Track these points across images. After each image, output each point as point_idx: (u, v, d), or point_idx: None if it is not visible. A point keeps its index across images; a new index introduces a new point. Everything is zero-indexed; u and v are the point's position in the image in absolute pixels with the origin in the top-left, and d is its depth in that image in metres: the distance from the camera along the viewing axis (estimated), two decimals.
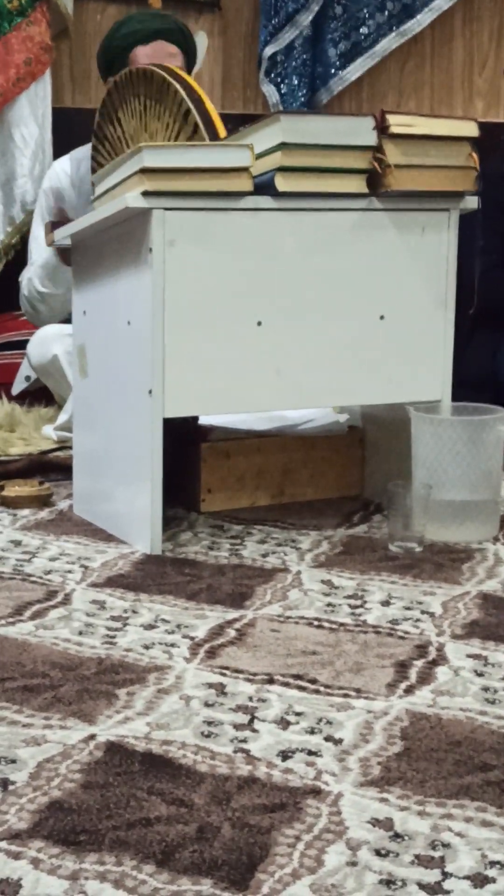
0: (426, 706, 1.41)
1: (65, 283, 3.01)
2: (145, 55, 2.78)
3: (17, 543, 2.11)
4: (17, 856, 1.06)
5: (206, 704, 1.41)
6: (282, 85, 3.93)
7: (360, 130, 2.07)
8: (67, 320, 2.93)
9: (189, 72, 2.88)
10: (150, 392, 2.01)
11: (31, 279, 3.10)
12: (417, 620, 1.71)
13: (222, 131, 2.07)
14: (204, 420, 2.39)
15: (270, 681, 1.48)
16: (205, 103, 2.09)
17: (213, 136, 2.06)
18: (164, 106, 2.12)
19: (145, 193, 1.95)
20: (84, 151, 3.14)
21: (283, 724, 1.35)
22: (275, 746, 1.29)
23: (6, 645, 1.60)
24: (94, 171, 2.36)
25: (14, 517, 2.29)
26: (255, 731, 1.33)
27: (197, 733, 1.32)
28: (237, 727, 1.34)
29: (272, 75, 3.93)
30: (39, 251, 3.18)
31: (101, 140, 2.32)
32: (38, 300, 3.10)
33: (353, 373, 2.17)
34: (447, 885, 1.03)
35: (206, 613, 1.74)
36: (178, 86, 2.09)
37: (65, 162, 3.16)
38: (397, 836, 1.11)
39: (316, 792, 1.19)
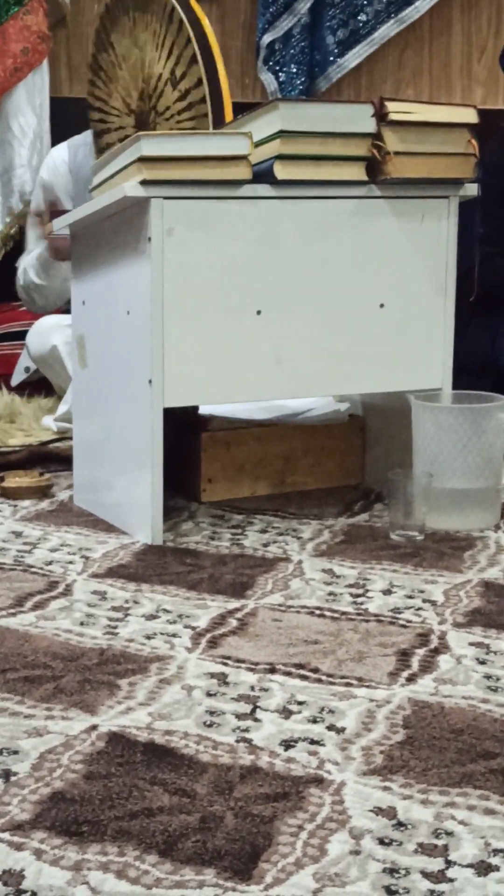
0: (428, 694, 1.41)
1: (59, 275, 3.01)
2: None
3: (18, 534, 2.10)
4: (19, 847, 1.06)
5: (208, 694, 1.40)
6: (280, 73, 3.92)
7: (359, 118, 2.06)
8: (66, 310, 2.93)
9: None
10: (150, 382, 2.00)
11: (27, 269, 3.09)
12: (419, 609, 1.71)
13: (208, 28, 2.03)
14: (204, 409, 2.39)
15: (272, 670, 1.48)
16: (191, 4, 2.06)
17: (199, 32, 2.01)
18: (150, 13, 2.08)
19: (143, 182, 1.95)
20: (81, 139, 3.13)
21: (286, 713, 1.35)
22: (277, 736, 1.29)
23: (7, 636, 1.59)
24: (91, 107, 2.30)
25: (14, 508, 2.28)
26: (257, 720, 1.33)
27: (199, 723, 1.32)
28: (239, 717, 1.34)
29: (270, 63, 3.92)
30: (31, 240, 3.18)
31: (96, 72, 2.29)
32: (33, 290, 3.10)
33: (354, 361, 2.17)
34: (450, 873, 1.03)
35: (208, 603, 1.74)
36: None
37: (62, 149, 3.15)
38: (400, 824, 1.11)
39: (318, 781, 1.19)
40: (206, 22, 2.03)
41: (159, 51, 2.07)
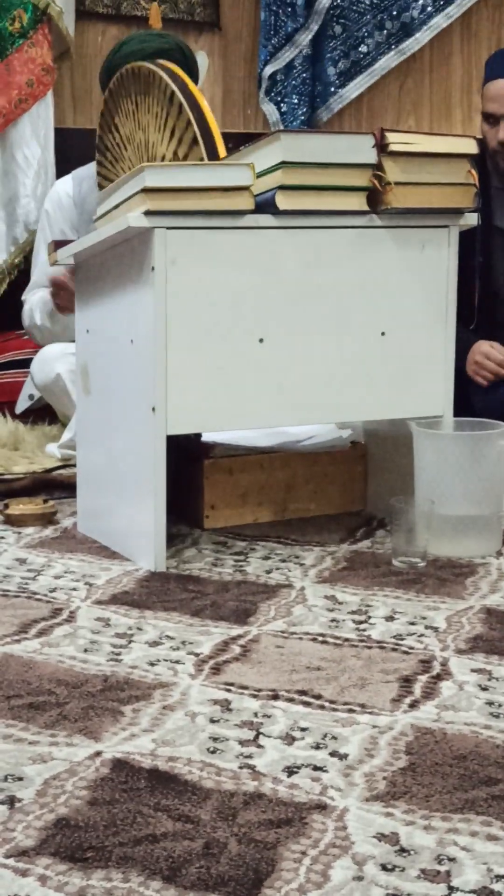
0: (431, 721, 1.41)
1: (61, 322, 3.05)
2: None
3: (22, 561, 2.11)
4: (24, 873, 1.07)
5: (212, 720, 1.41)
6: (282, 104, 3.96)
7: (360, 148, 2.09)
8: (70, 338, 2.95)
9: None
10: (154, 409, 2.02)
11: (33, 310, 3.12)
12: (421, 635, 1.72)
13: (207, 111, 2.07)
14: (207, 437, 2.40)
15: (275, 696, 1.48)
16: (188, 85, 2.09)
17: (199, 115, 2.05)
18: (151, 97, 2.13)
19: (147, 213, 1.97)
20: (86, 170, 3.16)
21: (289, 739, 1.36)
22: (280, 762, 1.30)
23: (12, 662, 1.60)
24: (100, 186, 2.37)
25: (19, 535, 2.29)
26: (260, 746, 1.34)
27: (202, 749, 1.33)
28: (242, 743, 1.35)
29: (272, 94, 3.95)
30: (37, 272, 3.20)
31: (102, 152, 2.33)
32: (35, 329, 3.13)
33: (355, 389, 2.18)
34: None
35: (211, 630, 1.74)
36: (161, 72, 2.09)
37: (66, 182, 3.17)
38: (403, 850, 1.11)
39: (321, 807, 1.19)
40: (204, 104, 2.08)
41: (161, 133, 2.12)
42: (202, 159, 2.06)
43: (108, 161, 2.32)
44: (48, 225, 3.17)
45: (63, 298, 2.84)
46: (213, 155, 2.05)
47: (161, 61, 2.20)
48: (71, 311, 2.92)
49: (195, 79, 2.95)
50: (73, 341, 2.45)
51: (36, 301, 3.13)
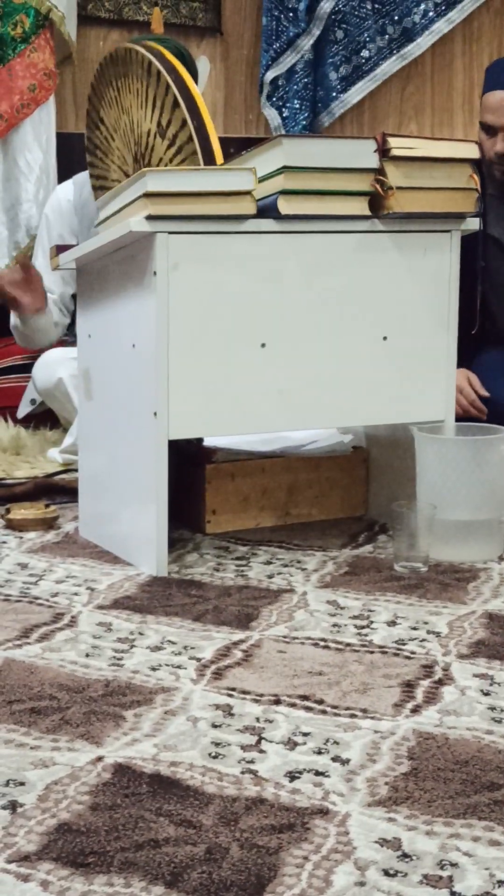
0: (433, 726, 1.41)
1: (30, 325, 3.03)
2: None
3: (24, 566, 2.11)
4: (26, 878, 1.07)
5: (214, 725, 1.41)
6: (283, 108, 3.96)
7: (362, 153, 2.09)
8: (72, 343, 2.95)
9: None
10: (155, 414, 2.02)
11: (14, 329, 3.13)
12: (423, 640, 1.72)
13: (184, 72, 2.07)
14: (208, 441, 2.40)
15: (277, 701, 1.48)
16: (164, 53, 2.09)
17: (177, 77, 2.05)
18: (130, 75, 2.12)
19: (149, 217, 1.97)
20: (86, 175, 3.16)
21: (291, 744, 1.36)
22: (282, 767, 1.30)
23: (13, 667, 1.60)
24: (94, 187, 2.36)
25: (20, 540, 2.29)
26: (262, 751, 1.34)
27: (204, 754, 1.33)
28: (244, 748, 1.34)
29: (274, 99, 3.96)
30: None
31: (92, 151, 2.33)
32: (13, 329, 3.15)
33: (357, 394, 2.18)
34: None
35: (213, 635, 1.74)
36: (136, 47, 2.10)
37: (67, 187, 3.18)
38: (405, 855, 1.11)
39: (324, 812, 1.19)
40: (181, 67, 2.08)
41: (144, 108, 2.12)
42: (185, 121, 2.05)
43: (97, 159, 2.32)
44: (47, 230, 3.18)
45: (12, 299, 2.86)
46: (194, 113, 2.03)
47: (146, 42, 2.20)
48: (26, 310, 2.92)
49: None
50: (74, 343, 2.45)
51: (12, 327, 3.15)
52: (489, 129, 2.70)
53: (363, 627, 1.78)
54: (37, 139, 3.58)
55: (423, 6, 3.99)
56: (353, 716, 1.44)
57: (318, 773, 1.28)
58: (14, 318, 3.09)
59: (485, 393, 2.73)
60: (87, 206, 3.04)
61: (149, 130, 2.13)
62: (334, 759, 1.32)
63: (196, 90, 2.07)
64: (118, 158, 2.26)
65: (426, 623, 1.79)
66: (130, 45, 2.14)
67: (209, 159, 2.08)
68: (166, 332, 2.00)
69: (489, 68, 2.83)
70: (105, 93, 2.23)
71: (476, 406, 2.71)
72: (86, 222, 3.06)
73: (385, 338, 2.19)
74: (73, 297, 3.21)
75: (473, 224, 2.24)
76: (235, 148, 3.14)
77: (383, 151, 2.10)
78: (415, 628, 1.77)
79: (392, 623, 1.80)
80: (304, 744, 1.36)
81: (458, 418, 2.60)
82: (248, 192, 2.01)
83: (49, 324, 3.04)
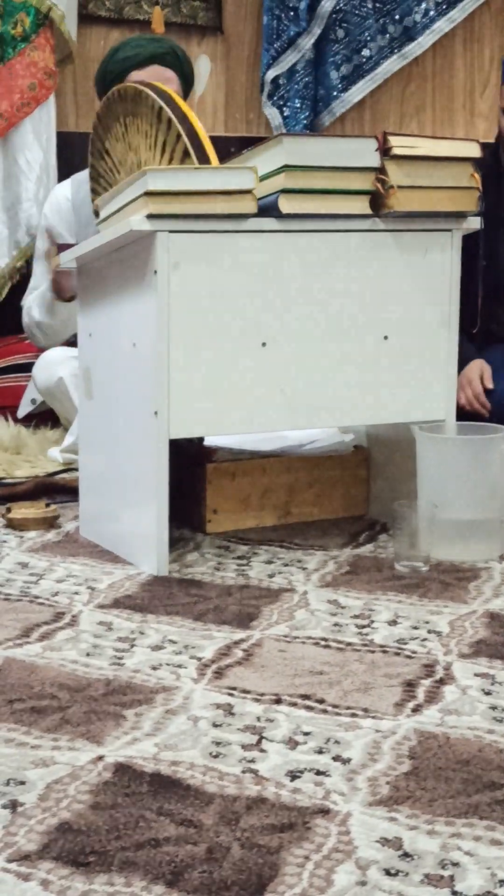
0: (434, 725, 1.41)
1: (61, 314, 3.04)
2: (140, 80, 2.81)
3: (24, 565, 2.11)
4: (26, 877, 1.07)
5: (214, 725, 1.41)
6: (284, 108, 3.96)
7: (363, 152, 2.09)
8: (72, 342, 2.95)
9: (186, 95, 2.92)
10: (156, 413, 2.02)
11: (31, 307, 3.13)
12: (424, 640, 1.72)
13: (196, 122, 2.07)
14: (209, 441, 2.40)
15: (278, 701, 1.48)
16: (174, 99, 2.10)
17: (188, 128, 2.05)
18: (140, 116, 2.13)
19: (150, 216, 1.97)
20: (85, 174, 3.16)
21: (291, 744, 1.36)
22: (283, 766, 1.29)
23: (14, 666, 1.60)
24: (96, 213, 2.37)
25: (21, 539, 2.29)
26: (263, 751, 1.33)
27: (205, 754, 1.32)
28: (245, 747, 1.34)
29: (275, 98, 3.96)
30: (37, 276, 3.21)
31: (96, 179, 2.34)
32: (35, 327, 3.14)
33: (358, 393, 2.18)
34: None
35: (214, 634, 1.74)
36: (147, 90, 2.10)
37: (66, 186, 3.18)
38: (406, 855, 1.11)
39: (325, 812, 1.19)
40: (192, 116, 2.08)
41: (153, 150, 2.12)
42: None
43: (101, 188, 2.33)
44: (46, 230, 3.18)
45: (62, 281, 2.86)
46: (204, 164, 2.05)
47: (154, 83, 2.21)
48: (68, 296, 2.92)
49: (190, 81, 2.97)
50: (75, 342, 2.45)
51: (33, 299, 3.13)
52: None
53: (364, 627, 1.77)
54: (37, 138, 3.58)
55: (423, 5, 3.99)
56: (354, 715, 1.44)
57: (319, 773, 1.28)
58: (39, 314, 3.08)
59: (491, 385, 2.73)
60: (84, 204, 3.04)
61: None
62: (335, 759, 1.31)
63: (206, 138, 2.08)
64: None
65: (427, 622, 1.79)
66: (140, 86, 2.14)
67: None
68: (167, 331, 2.00)
69: None
70: (112, 126, 2.23)
71: (480, 401, 2.71)
72: (83, 221, 3.06)
73: (386, 337, 2.19)
74: None
75: (475, 223, 2.24)
76: (236, 147, 3.14)
77: (384, 150, 2.10)
78: (416, 628, 1.77)
79: (393, 622, 1.79)
80: (305, 743, 1.36)
81: (462, 411, 2.60)
82: (248, 191, 2.01)
83: (75, 312, 3.04)
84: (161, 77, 2.82)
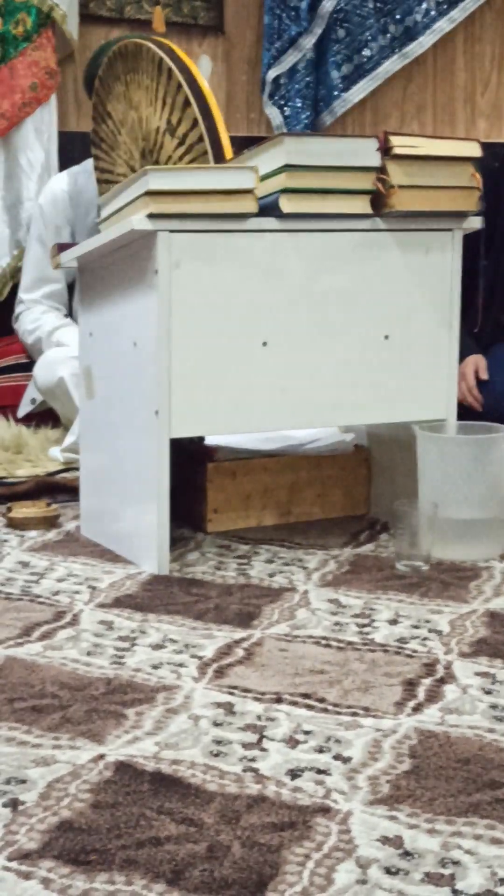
0: (434, 724, 1.41)
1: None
2: None
3: (25, 565, 2.11)
4: (27, 876, 1.07)
5: (215, 724, 1.41)
6: (285, 107, 3.96)
7: (364, 152, 2.09)
8: None
9: None
10: (157, 412, 2.02)
11: (41, 342, 3.16)
12: (425, 639, 1.72)
13: (197, 72, 2.06)
14: (210, 440, 2.40)
15: (279, 700, 1.48)
16: (175, 50, 2.09)
17: (189, 77, 2.04)
18: (140, 70, 2.12)
19: (151, 216, 1.97)
20: (81, 167, 3.18)
21: (292, 742, 1.36)
22: (284, 765, 1.30)
23: (15, 666, 1.60)
24: (98, 180, 2.36)
25: (22, 538, 2.29)
26: (263, 749, 1.34)
27: (206, 752, 1.33)
28: (246, 746, 1.34)
29: (276, 98, 3.96)
30: (31, 268, 3.23)
31: (97, 144, 2.33)
32: (35, 351, 3.18)
33: (359, 392, 2.18)
34: None
35: (214, 633, 1.74)
36: (148, 43, 2.09)
37: (61, 178, 3.21)
38: (407, 853, 1.11)
39: (325, 810, 1.19)
40: (193, 66, 2.07)
41: (154, 105, 2.11)
42: (196, 120, 2.05)
43: (103, 152, 2.32)
44: (42, 220, 3.19)
45: None
46: (206, 113, 2.03)
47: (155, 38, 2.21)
48: None
49: None
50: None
51: (45, 334, 3.16)
52: None
53: (365, 626, 1.77)
54: (38, 138, 3.58)
55: (424, 5, 3.98)
56: (354, 714, 1.44)
57: (319, 772, 1.28)
58: (41, 338, 3.13)
59: (485, 376, 2.73)
60: (82, 195, 3.05)
61: (158, 128, 2.13)
62: (336, 758, 1.32)
63: (208, 89, 2.06)
64: (125, 153, 2.26)
65: (428, 622, 1.79)
66: (141, 40, 2.13)
67: (220, 159, 2.08)
68: (168, 330, 2.00)
69: None
70: (113, 87, 2.22)
71: (473, 394, 2.72)
72: (81, 211, 3.07)
73: (387, 336, 2.19)
74: (69, 287, 3.24)
75: (475, 223, 2.24)
76: (237, 147, 3.14)
77: (385, 150, 2.10)
78: (416, 627, 1.77)
79: (394, 621, 1.79)
80: (306, 742, 1.36)
81: (459, 405, 2.61)
82: (249, 191, 2.01)
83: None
84: None
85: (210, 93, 2.06)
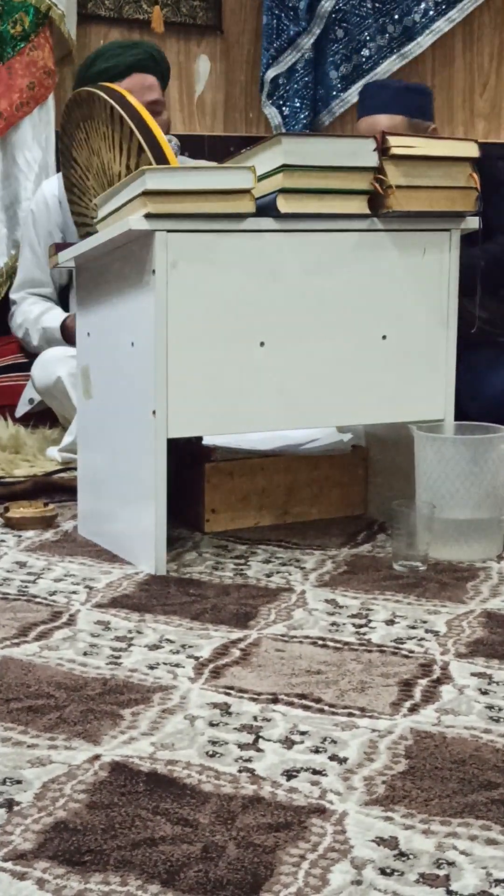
0: (431, 725, 1.41)
1: (56, 344, 3.10)
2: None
3: (22, 565, 2.11)
4: (22, 876, 1.07)
5: (211, 724, 1.41)
6: (284, 107, 3.96)
7: (362, 152, 2.09)
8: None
9: (163, 88, 2.96)
10: (154, 413, 2.02)
11: (29, 331, 3.18)
12: (422, 639, 1.72)
13: (147, 117, 2.08)
14: (207, 440, 2.40)
15: (275, 700, 1.48)
16: (125, 96, 2.11)
17: (139, 123, 2.07)
18: (96, 119, 2.15)
19: (148, 216, 1.97)
20: None
21: (288, 743, 1.36)
22: (279, 766, 1.30)
23: (11, 666, 1.60)
24: (76, 224, 2.39)
25: (19, 538, 2.29)
26: (259, 750, 1.34)
27: (202, 753, 1.33)
28: (242, 747, 1.34)
29: (274, 98, 3.96)
30: (21, 271, 3.25)
31: (70, 189, 2.36)
32: (29, 346, 3.21)
33: (356, 392, 2.18)
34: None
35: (211, 633, 1.74)
36: (98, 92, 2.12)
37: (52, 182, 3.21)
38: (402, 854, 1.11)
39: (321, 811, 1.19)
40: (142, 109, 2.10)
41: (112, 151, 2.14)
42: (150, 163, 2.07)
43: (76, 196, 2.34)
44: (34, 226, 3.20)
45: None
46: (160, 158, 2.05)
47: (109, 85, 2.24)
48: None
49: (167, 77, 3.00)
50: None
51: (31, 321, 3.18)
52: None
53: (361, 626, 1.77)
54: (36, 137, 3.57)
55: (423, 5, 3.98)
56: (350, 714, 1.44)
57: (315, 772, 1.28)
58: (37, 341, 3.15)
59: None
60: None
61: (119, 173, 2.15)
62: (332, 758, 1.32)
63: (159, 131, 2.09)
64: (94, 197, 2.27)
65: (425, 622, 1.79)
66: (92, 88, 2.17)
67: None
68: (165, 330, 2.00)
69: None
70: (75, 134, 2.25)
71: None
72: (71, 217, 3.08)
73: (384, 337, 2.19)
74: (63, 290, 3.25)
75: (473, 223, 2.24)
76: (235, 147, 3.14)
77: (383, 150, 2.10)
78: (413, 627, 1.77)
79: (390, 622, 1.79)
80: (302, 742, 1.36)
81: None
82: (247, 191, 2.01)
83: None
84: (142, 85, 2.84)
85: (161, 135, 2.09)
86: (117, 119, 2.08)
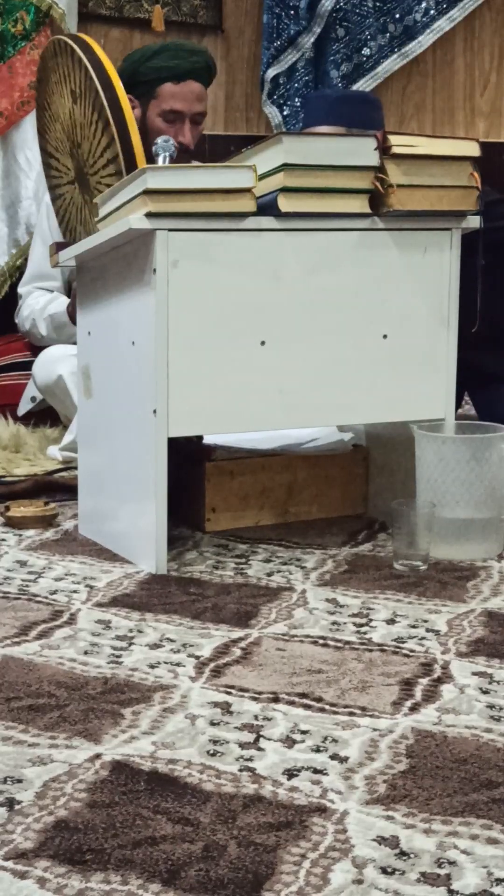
0: (431, 724, 1.41)
1: (67, 333, 3.09)
2: (172, 94, 2.82)
3: (23, 564, 2.11)
4: (23, 875, 1.07)
5: (212, 723, 1.41)
6: (284, 106, 3.96)
7: (363, 151, 2.09)
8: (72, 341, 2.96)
9: None
10: (155, 412, 2.02)
11: (36, 322, 3.16)
12: (422, 638, 1.72)
13: (105, 59, 2.11)
14: (208, 439, 2.40)
15: (276, 699, 1.48)
16: (92, 46, 2.16)
17: (95, 62, 2.09)
18: (59, 69, 2.21)
19: (149, 215, 1.97)
20: None
21: (289, 742, 1.36)
22: (280, 765, 1.30)
23: (12, 665, 1.60)
24: (56, 210, 2.41)
25: (20, 537, 2.29)
26: (260, 749, 1.34)
27: (202, 752, 1.33)
28: (243, 746, 1.34)
29: (275, 97, 3.96)
30: (32, 264, 3.24)
31: (44, 149, 2.39)
32: (36, 338, 3.20)
33: (357, 391, 2.18)
34: None
35: (212, 632, 1.74)
36: (67, 40, 2.18)
37: None
38: (403, 853, 1.11)
39: (321, 810, 1.19)
40: (103, 56, 2.12)
41: (80, 100, 2.17)
42: (97, 91, 2.09)
43: (50, 157, 2.37)
44: (48, 220, 3.19)
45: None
46: (107, 87, 2.07)
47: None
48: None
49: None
50: (75, 340, 2.46)
51: (38, 311, 3.16)
52: None
53: (362, 625, 1.77)
54: (36, 137, 3.57)
55: (424, 4, 3.99)
56: (351, 714, 1.44)
57: (316, 771, 1.28)
58: (45, 330, 3.14)
59: None
60: None
61: (80, 123, 2.18)
62: (332, 757, 1.32)
63: (117, 79, 2.11)
64: (61, 143, 2.31)
65: (425, 621, 1.79)
66: (62, 37, 2.23)
67: (122, 128, 2.10)
68: (166, 329, 2.00)
69: None
70: (49, 80, 2.29)
71: None
72: None
73: (385, 336, 2.19)
74: (68, 286, 3.25)
75: (474, 222, 2.24)
76: (236, 146, 3.14)
77: (384, 149, 2.09)
78: (414, 626, 1.77)
79: (391, 621, 1.79)
80: (303, 741, 1.36)
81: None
82: (248, 190, 2.01)
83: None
84: (193, 93, 2.84)
85: (119, 84, 2.10)
86: (77, 62, 2.11)
